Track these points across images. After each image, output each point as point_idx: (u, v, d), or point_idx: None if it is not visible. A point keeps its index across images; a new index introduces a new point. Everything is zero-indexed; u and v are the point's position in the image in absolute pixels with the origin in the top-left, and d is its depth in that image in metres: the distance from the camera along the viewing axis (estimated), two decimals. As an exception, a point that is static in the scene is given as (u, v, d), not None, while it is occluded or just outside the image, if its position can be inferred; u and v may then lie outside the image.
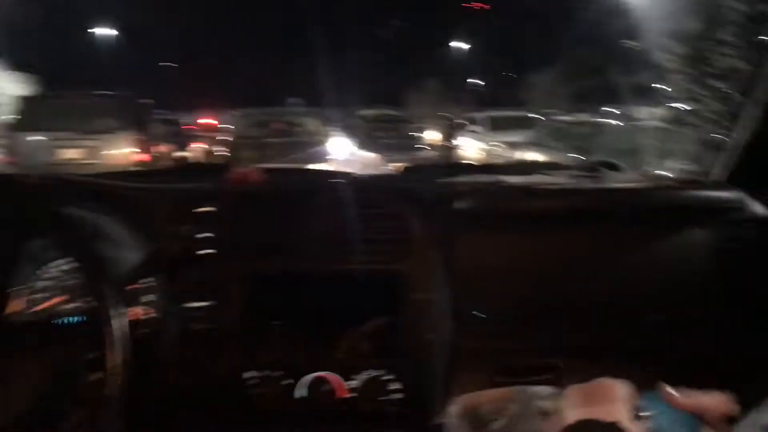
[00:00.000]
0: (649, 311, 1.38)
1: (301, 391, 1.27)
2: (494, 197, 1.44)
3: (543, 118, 14.54)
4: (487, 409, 1.13)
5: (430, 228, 1.32)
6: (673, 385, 0.81)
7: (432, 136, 17.69)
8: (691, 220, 1.42)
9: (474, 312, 1.34)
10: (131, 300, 1.13)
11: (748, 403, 0.78)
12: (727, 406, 0.70)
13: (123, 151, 7.74)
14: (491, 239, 1.37)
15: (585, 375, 0.89)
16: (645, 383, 0.85)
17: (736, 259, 1.41)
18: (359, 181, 1.49)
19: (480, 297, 1.35)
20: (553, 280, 1.37)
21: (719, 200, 1.43)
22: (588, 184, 1.55)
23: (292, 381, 1.28)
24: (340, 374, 1.27)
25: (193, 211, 1.32)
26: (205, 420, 1.28)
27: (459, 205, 1.37)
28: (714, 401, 0.70)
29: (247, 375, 1.27)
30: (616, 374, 0.84)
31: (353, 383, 1.27)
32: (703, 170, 1.57)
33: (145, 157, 7.83)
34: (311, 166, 3.58)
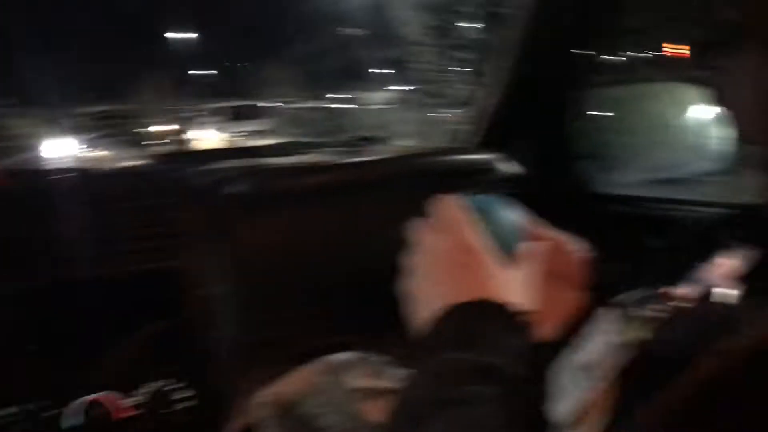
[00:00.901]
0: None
1: (69, 420, 1.10)
2: (264, 179, 1.37)
3: (280, 105, 14.68)
4: (292, 396, 1.07)
5: (200, 218, 1.21)
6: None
7: (168, 128, 16.90)
8: (451, 184, 1.49)
9: (262, 300, 1.26)
10: None
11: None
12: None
13: None
14: (268, 222, 1.30)
15: (383, 347, 0.88)
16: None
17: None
18: (106, 175, 1.33)
19: (264, 284, 1.28)
20: (336, 256, 1.35)
21: (474, 163, 1.53)
22: (352, 158, 1.55)
23: (57, 411, 1.10)
24: (118, 392, 1.12)
25: None
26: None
27: (229, 190, 1.28)
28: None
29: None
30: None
31: (134, 399, 1.13)
32: (455, 138, 1.67)
33: None
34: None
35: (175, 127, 16.54)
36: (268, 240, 1.30)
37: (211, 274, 1.21)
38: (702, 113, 1.52)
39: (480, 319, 0.51)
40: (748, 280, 0.51)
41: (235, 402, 1.20)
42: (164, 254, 1.17)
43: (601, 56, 1.52)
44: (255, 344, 1.26)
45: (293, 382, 1.09)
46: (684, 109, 1.59)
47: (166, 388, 1.15)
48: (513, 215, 0.62)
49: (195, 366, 1.18)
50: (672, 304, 0.53)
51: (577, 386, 0.53)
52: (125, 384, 1.13)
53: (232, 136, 13.21)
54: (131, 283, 1.15)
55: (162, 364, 1.16)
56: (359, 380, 1.05)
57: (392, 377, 0.96)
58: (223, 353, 1.21)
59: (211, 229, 1.23)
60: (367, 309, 1.37)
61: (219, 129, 13.80)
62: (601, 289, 0.78)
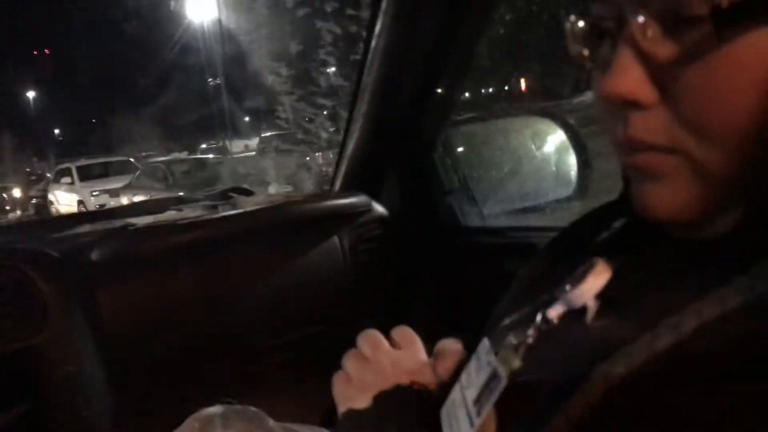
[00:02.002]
0: (305, 324, 1.41)
1: None
2: (128, 241, 1.31)
3: (134, 161, 14.22)
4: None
5: (62, 289, 1.13)
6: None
7: (15, 193, 15.82)
8: (324, 229, 1.50)
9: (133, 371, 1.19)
10: None
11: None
12: None
13: None
14: (138, 285, 1.24)
15: (263, 402, 0.86)
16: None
17: (367, 256, 1.54)
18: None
19: (137, 352, 1.21)
20: (211, 314, 1.30)
21: (342, 207, 1.54)
22: (225, 210, 1.52)
23: None
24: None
25: None
26: None
27: (94, 255, 1.20)
28: None
29: None
30: (290, 394, 0.83)
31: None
32: (321, 182, 1.67)
33: None
34: None
35: (24, 191, 15.52)
36: (136, 307, 1.23)
37: (74, 350, 1.12)
38: (556, 143, 1.63)
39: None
40: (612, 298, 0.52)
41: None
42: (23, 332, 1.08)
43: (459, 94, 1.59)
44: (130, 418, 1.18)
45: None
46: (540, 141, 1.69)
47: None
48: None
49: None
50: (543, 327, 0.53)
51: (465, 424, 0.53)
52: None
53: (93, 195, 12.54)
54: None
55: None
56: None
57: (266, 428, 0.93)
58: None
59: (72, 300, 1.15)
60: (243, 365, 1.34)
61: (79, 188, 13.07)
62: (478, 322, 0.80)
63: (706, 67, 0.41)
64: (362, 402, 0.63)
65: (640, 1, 0.44)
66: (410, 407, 0.61)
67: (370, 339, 0.71)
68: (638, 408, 0.39)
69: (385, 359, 0.67)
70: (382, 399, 0.63)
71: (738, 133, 0.42)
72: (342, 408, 0.66)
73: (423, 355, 0.69)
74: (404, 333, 0.72)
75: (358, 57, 1.53)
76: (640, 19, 0.44)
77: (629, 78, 0.45)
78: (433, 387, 0.64)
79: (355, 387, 0.66)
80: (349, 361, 0.69)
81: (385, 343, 0.70)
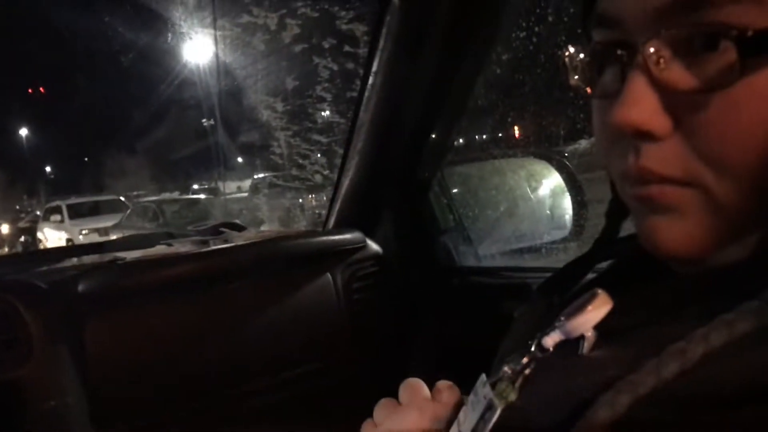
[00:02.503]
0: (298, 362, 1.38)
1: None
2: (117, 274, 1.28)
3: (125, 200, 14.21)
4: None
5: (49, 320, 1.10)
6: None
7: (3, 230, 15.74)
8: (317, 266, 1.48)
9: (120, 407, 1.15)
10: None
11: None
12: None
13: None
14: (125, 319, 1.21)
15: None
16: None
17: (361, 294, 1.52)
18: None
19: (122, 388, 1.17)
20: (201, 351, 1.27)
21: (336, 244, 1.52)
22: (216, 245, 1.49)
23: None
24: None
25: None
26: None
27: (82, 287, 1.17)
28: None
29: None
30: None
31: None
32: (315, 220, 1.66)
33: None
34: None
35: (17, 225, 15.44)
36: (123, 341, 1.19)
37: (58, 383, 1.08)
38: (551, 185, 1.63)
39: None
40: (610, 330, 0.50)
41: None
42: (3, 365, 1.04)
43: (455, 133, 1.59)
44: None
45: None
46: (533, 183, 1.69)
47: None
48: None
49: None
50: (537, 355, 0.51)
51: None
52: None
53: (82, 234, 12.47)
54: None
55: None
56: None
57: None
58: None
59: (57, 333, 1.11)
60: (235, 405, 1.30)
61: (69, 226, 13.01)
62: (474, 362, 0.78)
63: (726, 98, 0.40)
64: None
65: (652, 27, 0.43)
66: None
67: (410, 386, 0.66)
68: None
69: (415, 407, 0.64)
70: None
71: (757, 167, 0.40)
72: None
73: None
74: (447, 388, 0.68)
75: (354, 94, 1.53)
76: (653, 45, 0.43)
77: (643, 107, 0.43)
78: None
79: None
80: (378, 408, 0.65)
81: (425, 392, 0.66)
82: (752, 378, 0.36)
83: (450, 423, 0.58)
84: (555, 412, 0.44)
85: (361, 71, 1.48)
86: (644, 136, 0.44)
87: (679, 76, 0.42)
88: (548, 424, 0.43)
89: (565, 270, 0.69)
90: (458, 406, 0.61)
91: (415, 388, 0.64)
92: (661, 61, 0.42)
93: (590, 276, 0.66)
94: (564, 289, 0.66)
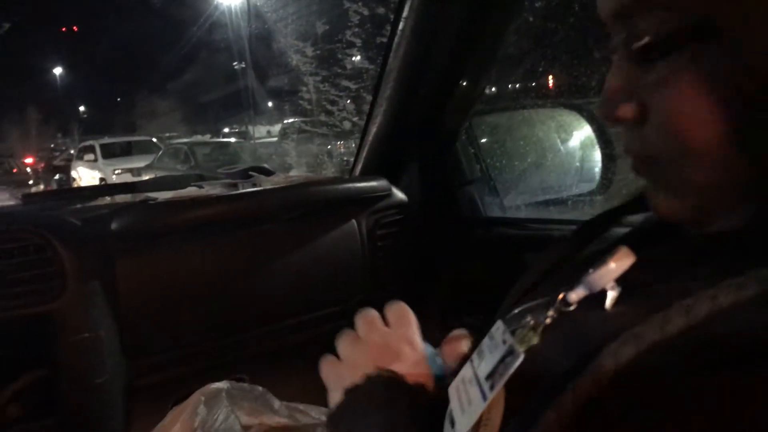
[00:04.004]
0: (320, 305, 1.41)
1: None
2: (148, 213, 1.31)
3: (157, 141, 14.30)
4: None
5: (82, 256, 1.14)
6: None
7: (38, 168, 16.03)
8: (342, 212, 1.49)
9: (148, 342, 1.19)
10: None
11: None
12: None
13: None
14: (156, 257, 1.24)
15: (274, 381, 0.86)
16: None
17: (385, 241, 1.54)
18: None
19: (152, 323, 1.22)
20: (228, 290, 1.31)
21: (362, 191, 1.53)
22: (245, 188, 1.52)
23: None
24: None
25: None
26: None
27: (114, 226, 1.20)
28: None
29: None
30: (302, 374, 0.83)
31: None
32: (342, 167, 1.67)
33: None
34: None
35: (52, 163, 15.71)
36: (152, 278, 1.23)
37: (90, 317, 1.13)
38: (581, 137, 1.61)
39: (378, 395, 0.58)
40: (632, 284, 0.52)
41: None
42: (43, 297, 1.09)
43: (483, 84, 1.57)
44: (141, 389, 1.19)
45: (174, 422, 1.03)
46: (562, 134, 1.67)
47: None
48: None
49: (73, 418, 1.09)
50: (562, 309, 0.53)
51: (477, 398, 0.53)
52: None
53: (115, 173, 12.64)
54: (3, 330, 1.06)
55: (36, 418, 1.06)
56: (241, 411, 1.02)
57: (273, 408, 0.93)
58: (105, 402, 1.13)
59: (90, 268, 1.15)
60: (256, 344, 1.34)
61: (102, 166, 13.19)
62: (493, 312, 0.80)
63: (673, 91, 0.46)
64: (354, 380, 0.61)
65: (621, 32, 0.49)
66: (393, 390, 0.60)
67: (365, 318, 0.69)
68: (646, 389, 0.39)
69: (376, 338, 0.66)
70: (369, 381, 0.61)
71: (706, 146, 0.45)
72: (334, 389, 0.64)
73: (414, 333, 0.68)
74: (398, 310, 0.70)
75: (384, 40, 1.51)
76: (618, 46, 0.50)
77: (614, 101, 0.50)
78: (420, 370, 0.63)
79: (345, 367, 0.65)
80: (341, 343, 0.69)
81: (379, 322, 0.69)
82: (756, 337, 0.37)
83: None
84: (568, 359, 0.45)
85: (391, 16, 1.46)
86: (622, 123, 0.51)
87: (634, 73, 0.49)
88: (560, 369, 0.45)
89: (591, 223, 0.71)
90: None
91: (370, 319, 0.68)
92: (624, 59, 0.49)
93: (617, 231, 0.67)
94: (587, 242, 0.67)
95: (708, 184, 0.47)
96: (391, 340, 0.66)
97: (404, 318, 0.70)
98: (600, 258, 0.53)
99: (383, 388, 0.60)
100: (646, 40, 0.46)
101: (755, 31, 0.41)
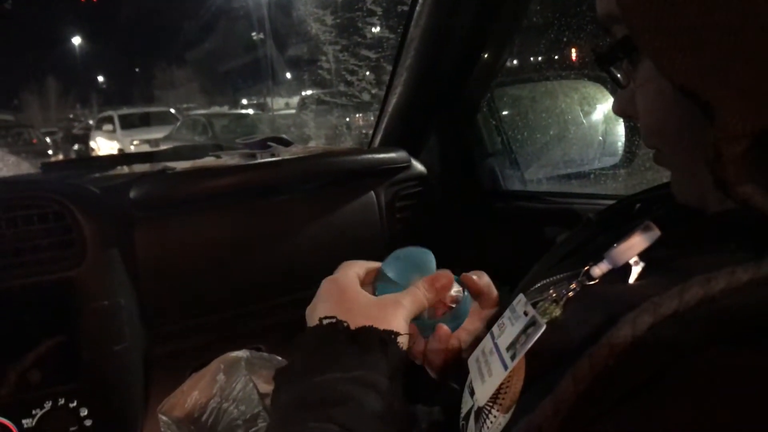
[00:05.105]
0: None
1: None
2: (167, 182, 1.30)
3: (175, 112, 14.32)
4: (196, 399, 1.02)
5: (101, 224, 1.14)
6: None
7: (56, 137, 16.16)
8: (361, 183, 1.48)
9: (166, 310, 1.20)
10: None
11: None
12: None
13: None
14: (174, 226, 1.24)
15: (288, 352, 0.85)
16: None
17: (404, 213, 1.53)
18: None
19: (170, 292, 1.22)
20: (246, 260, 1.31)
21: (381, 162, 1.51)
22: (264, 158, 1.51)
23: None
24: (10, 417, 1.03)
25: None
26: None
27: (133, 194, 1.20)
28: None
29: None
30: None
31: (28, 422, 1.04)
32: (361, 139, 1.65)
33: None
34: None
35: (71, 133, 15.82)
36: (171, 247, 1.23)
37: (109, 284, 1.13)
38: (603, 110, 1.58)
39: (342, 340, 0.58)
40: (655, 260, 0.52)
41: (137, 418, 1.13)
42: (63, 264, 1.09)
43: (505, 55, 1.54)
44: (158, 357, 1.20)
45: (193, 388, 1.04)
46: (585, 107, 1.64)
47: (64, 407, 1.07)
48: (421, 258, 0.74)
49: (93, 384, 1.10)
50: (585, 283, 0.54)
51: (498, 368, 0.54)
52: (16, 408, 1.04)
53: (133, 144, 12.71)
54: (23, 296, 1.06)
55: (57, 383, 1.07)
56: (260, 379, 1.03)
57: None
58: (124, 369, 1.14)
59: (109, 236, 1.15)
60: (274, 314, 1.34)
61: (120, 136, 13.26)
62: (512, 284, 0.79)
63: (643, 92, 0.55)
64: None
65: (619, 32, 0.54)
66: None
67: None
68: (662, 360, 0.39)
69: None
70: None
71: (676, 135, 0.53)
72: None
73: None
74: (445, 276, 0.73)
75: (405, 8, 1.48)
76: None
77: (619, 100, 0.60)
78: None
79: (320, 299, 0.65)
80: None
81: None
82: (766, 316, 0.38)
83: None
84: (588, 329, 0.47)
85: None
86: (628, 118, 0.62)
87: (625, 78, 0.57)
88: (580, 339, 0.46)
89: (617, 205, 0.74)
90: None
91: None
92: (619, 67, 0.57)
93: (640, 214, 0.69)
94: (614, 223, 0.69)
95: (693, 169, 0.53)
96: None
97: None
98: (625, 233, 0.54)
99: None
100: (597, 48, 0.55)
101: (662, 47, 0.45)
